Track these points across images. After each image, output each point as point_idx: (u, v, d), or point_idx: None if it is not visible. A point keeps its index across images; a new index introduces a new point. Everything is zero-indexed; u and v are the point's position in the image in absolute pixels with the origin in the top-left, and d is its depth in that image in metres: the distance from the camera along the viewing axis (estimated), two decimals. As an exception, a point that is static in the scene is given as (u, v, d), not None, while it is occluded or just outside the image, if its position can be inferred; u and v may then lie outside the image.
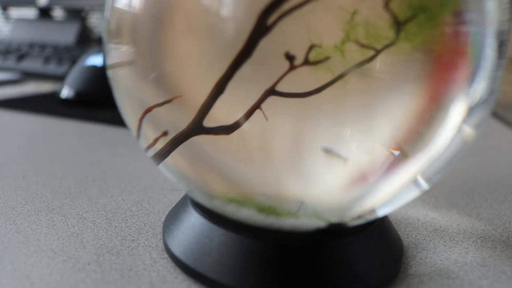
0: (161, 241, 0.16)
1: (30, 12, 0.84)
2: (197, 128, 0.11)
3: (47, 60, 0.57)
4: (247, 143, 0.11)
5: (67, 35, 0.69)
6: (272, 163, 0.11)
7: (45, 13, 0.75)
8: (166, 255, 0.15)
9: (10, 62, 0.59)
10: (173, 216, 0.16)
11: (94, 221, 0.17)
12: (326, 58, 0.10)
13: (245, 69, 0.10)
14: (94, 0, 0.65)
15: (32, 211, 0.18)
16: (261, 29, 0.10)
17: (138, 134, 0.13)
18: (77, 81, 0.39)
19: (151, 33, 0.11)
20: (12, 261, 0.14)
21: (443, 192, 0.22)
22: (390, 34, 0.10)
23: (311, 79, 0.10)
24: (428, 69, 0.10)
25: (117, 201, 0.19)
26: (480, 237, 0.17)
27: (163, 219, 0.18)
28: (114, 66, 0.13)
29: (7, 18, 0.83)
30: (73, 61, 0.55)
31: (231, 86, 0.10)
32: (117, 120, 0.34)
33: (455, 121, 0.11)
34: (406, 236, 0.17)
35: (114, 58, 0.13)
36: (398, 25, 0.10)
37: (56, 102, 0.40)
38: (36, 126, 0.32)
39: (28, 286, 0.13)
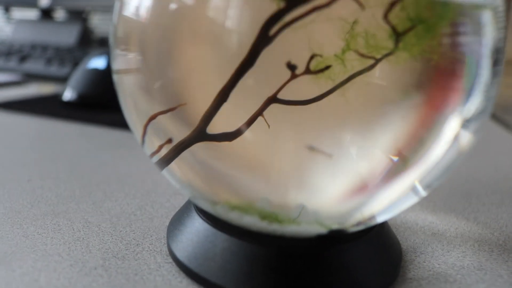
0: (165, 245, 0.16)
1: (31, 13, 0.84)
2: (200, 135, 0.12)
3: (49, 61, 0.57)
4: (249, 150, 0.11)
5: (68, 36, 0.69)
6: (274, 169, 0.11)
7: (46, 14, 0.76)
8: (170, 260, 0.15)
9: (12, 63, 0.59)
10: (177, 221, 0.16)
11: (99, 225, 0.18)
12: (327, 67, 0.10)
13: (248, 78, 0.10)
14: (95, 1, 0.65)
15: (38, 215, 0.18)
16: (263, 39, 0.10)
17: (143, 141, 0.14)
18: (80, 84, 0.39)
19: (157, 42, 0.12)
20: (21, 265, 0.14)
21: (441, 196, 0.22)
22: (389, 44, 0.10)
23: (312, 87, 0.10)
24: (426, 78, 0.10)
25: (121, 205, 0.20)
26: (477, 240, 0.17)
27: (167, 224, 0.18)
28: (120, 71, 0.13)
29: (9, 19, 0.83)
30: (75, 63, 0.55)
31: (234, 94, 0.11)
32: (120, 123, 0.34)
33: (453, 128, 0.11)
34: (405, 240, 0.17)
35: (120, 64, 0.13)
36: (397, 35, 0.10)
37: (59, 105, 0.40)
38: (39, 128, 0.33)
39: (36, 290, 0.13)
